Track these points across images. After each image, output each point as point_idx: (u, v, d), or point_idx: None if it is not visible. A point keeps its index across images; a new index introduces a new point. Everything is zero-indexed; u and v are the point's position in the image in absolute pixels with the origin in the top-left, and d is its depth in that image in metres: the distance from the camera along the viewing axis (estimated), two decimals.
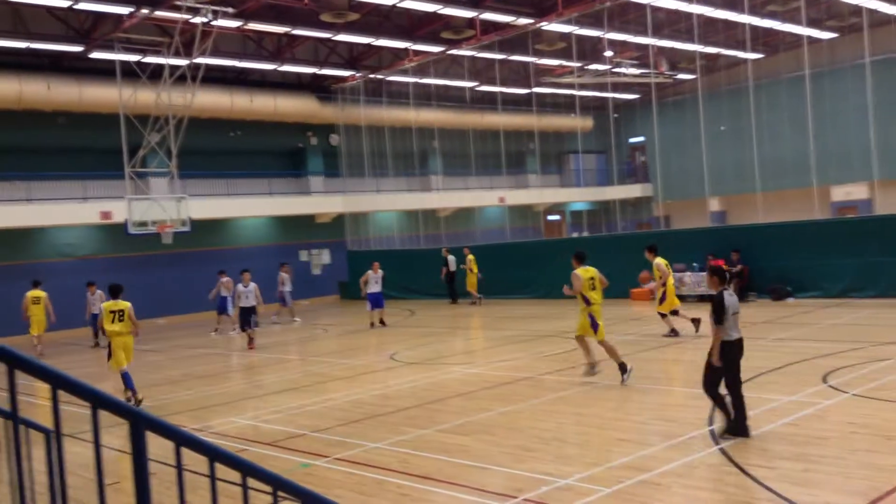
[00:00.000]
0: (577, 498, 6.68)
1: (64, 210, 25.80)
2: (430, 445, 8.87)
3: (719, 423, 8.30)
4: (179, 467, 3.14)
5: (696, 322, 15.82)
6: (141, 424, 2.88)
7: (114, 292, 12.93)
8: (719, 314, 8.11)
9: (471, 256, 26.72)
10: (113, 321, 12.66)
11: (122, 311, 12.75)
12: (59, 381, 2.79)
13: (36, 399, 11.27)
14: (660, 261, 16.04)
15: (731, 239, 22.19)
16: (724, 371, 8.15)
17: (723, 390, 8.23)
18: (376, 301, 21.51)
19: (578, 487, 6.95)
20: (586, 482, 7.07)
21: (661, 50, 33.74)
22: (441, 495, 7.17)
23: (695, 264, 22.20)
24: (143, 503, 2.87)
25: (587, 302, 11.91)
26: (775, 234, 21.64)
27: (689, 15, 27.37)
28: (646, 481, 6.96)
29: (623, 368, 11.62)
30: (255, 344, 19.22)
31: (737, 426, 8.07)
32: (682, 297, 21.99)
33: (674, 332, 15.86)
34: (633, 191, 43.63)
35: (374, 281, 21.55)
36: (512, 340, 17.18)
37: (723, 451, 7.67)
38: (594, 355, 11.98)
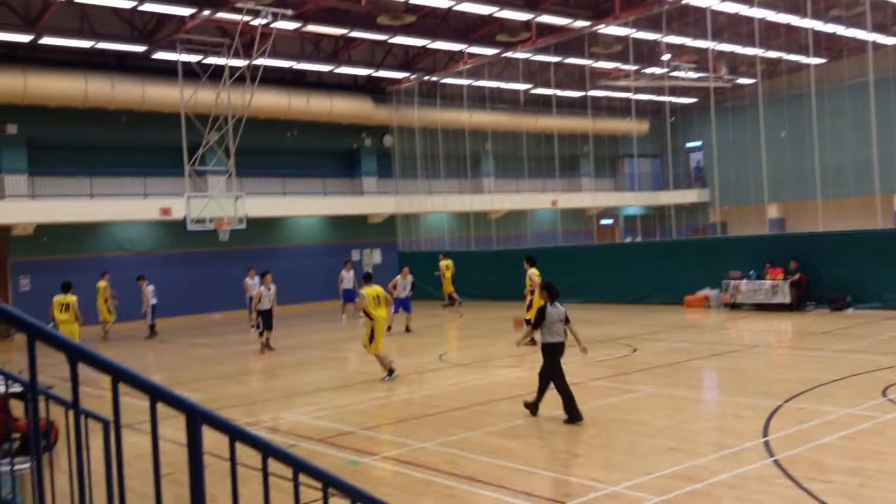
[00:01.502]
0: None
1: (125, 206, 26.50)
2: (477, 447, 8.87)
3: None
4: (233, 461, 3.20)
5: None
6: (197, 418, 2.95)
7: (64, 288, 16.51)
8: (538, 321, 10.34)
9: (445, 262, 27.03)
10: (60, 311, 16.11)
11: (68, 304, 16.18)
12: (119, 374, 2.87)
13: (90, 389, 11.59)
14: (534, 271, 17.14)
15: (790, 247, 21.70)
16: (546, 367, 10.10)
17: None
18: (404, 305, 21.25)
19: (626, 495, 6.89)
20: (634, 490, 7.00)
21: (721, 54, 33.17)
22: (487, 498, 7.18)
23: (752, 272, 21.76)
24: (198, 494, 2.94)
25: (370, 318, 13.60)
26: (835, 242, 21.10)
27: (749, 19, 26.86)
28: (696, 491, 6.86)
29: (390, 372, 13.50)
30: (267, 350, 18.51)
31: (572, 413, 9.72)
32: (737, 306, 21.70)
33: (533, 342, 16.04)
34: (688, 196, 42.97)
35: (402, 287, 21.40)
36: None
37: (777, 464, 7.51)
38: (389, 361, 13.76)
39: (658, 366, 13.61)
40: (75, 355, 2.82)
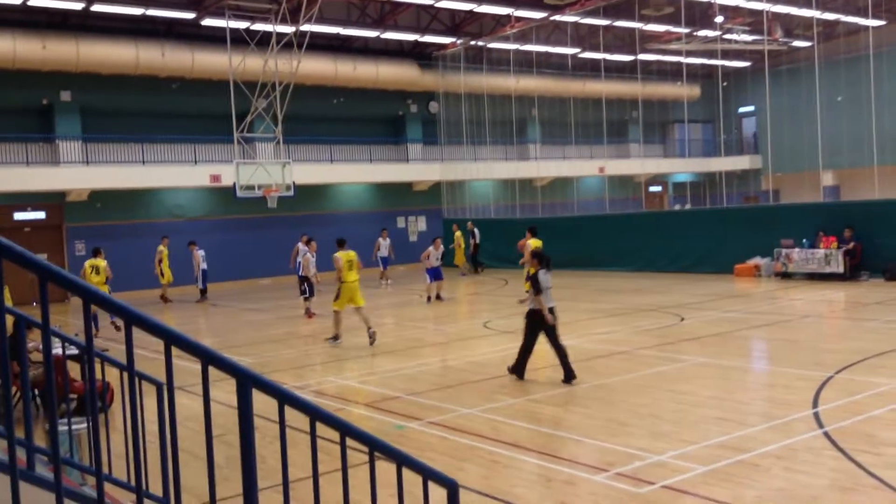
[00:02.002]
0: (671, 475, 6.60)
1: (176, 172, 26.93)
2: (521, 414, 8.91)
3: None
4: (282, 424, 3.26)
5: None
6: (247, 382, 3.00)
7: (95, 252, 17.39)
8: (536, 287, 10.66)
9: (458, 233, 28.63)
10: (91, 273, 16.74)
11: (98, 266, 16.86)
12: (172, 338, 2.93)
13: (145, 352, 11.87)
14: (532, 241, 18.21)
15: (845, 215, 21.17)
16: (538, 329, 10.63)
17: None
18: (436, 275, 21.40)
19: (673, 464, 6.86)
20: (681, 459, 6.97)
21: (776, 16, 32.19)
22: (531, 464, 7.22)
23: (805, 241, 21.31)
24: (248, 455, 3.00)
25: (341, 280, 14.26)
26: (892, 210, 20.50)
27: None
28: (743, 461, 6.80)
29: (335, 338, 14.45)
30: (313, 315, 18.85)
31: (517, 367, 10.72)
32: (788, 276, 21.29)
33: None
34: (740, 162, 42.08)
35: (434, 257, 21.55)
36: (609, 313, 16.98)
37: (826, 435, 7.41)
38: (341, 328, 14.56)
39: (706, 335, 13.47)
40: (131, 319, 2.88)
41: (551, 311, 10.63)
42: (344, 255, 14.32)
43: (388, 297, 23.18)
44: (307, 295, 18.94)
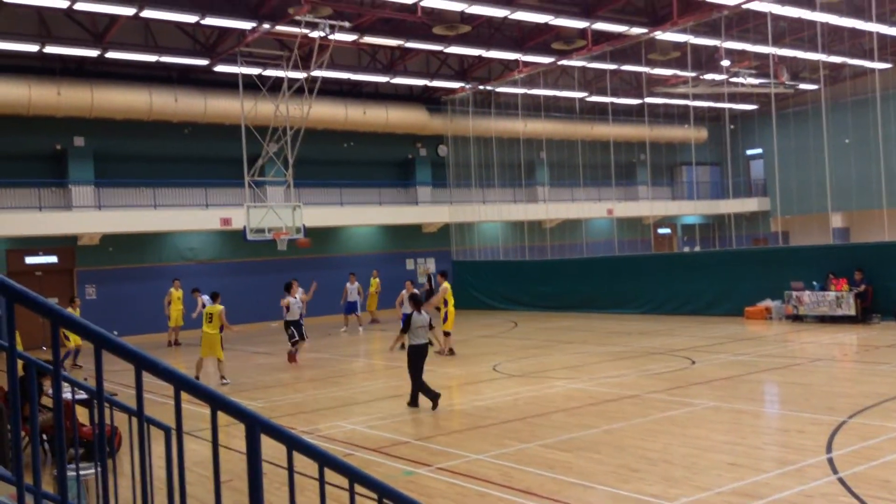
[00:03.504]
0: None
1: (187, 216, 27.13)
2: (532, 460, 8.82)
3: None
4: (291, 470, 3.25)
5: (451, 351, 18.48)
6: (256, 427, 3.00)
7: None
8: (405, 327, 12.45)
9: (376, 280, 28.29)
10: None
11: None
12: (182, 383, 2.94)
13: (152, 396, 11.83)
14: (446, 285, 18.81)
15: (855, 257, 21.10)
16: (410, 365, 12.17)
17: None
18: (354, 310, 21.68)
19: None
20: None
21: (782, 59, 32.48)
22: None
23: (815, 283, 21.21)
24: (256, 501, 2.99)
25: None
26: None
27: (812, 23, 26.23)
28: None
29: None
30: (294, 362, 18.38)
31: (413, 398, 12.22)
32: (800, 318, 21.16)
33: (451, 352, 18.42)
34: (749, 204, 42.11)
35: (351, 291, 21.48)
36: (618, 356, 16.88)
37: (842, 481, 7.29)
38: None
39: (717, 379, 13.36)
40: (140, 364, 2.89)
41: (425, 346, 12.34)
42: (210, 309, 16.03)
43: (390, 340, 23.06)
44: (296, 339, 18.32)
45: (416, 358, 12.19)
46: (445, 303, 18.65)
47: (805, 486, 7.21)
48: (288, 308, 18.49)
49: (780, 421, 10.62)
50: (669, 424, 10.16)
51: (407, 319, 12.40)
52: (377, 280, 27.96)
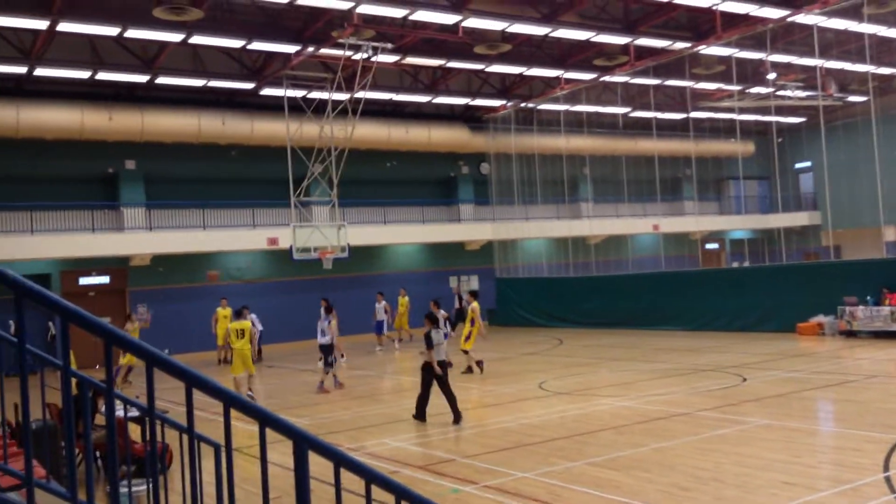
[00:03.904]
0: None
1: (235, 236, 27.58)
2: (579, 478, 8.72)
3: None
4: (338, 487, 3.26)
5: (479, 364, 18.45)
6: (304, 444, 3.03)
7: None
8: (429, 344, 12.53)
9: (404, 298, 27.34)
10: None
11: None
12: (230, 400, 2.98)
13: (201, 413, 11.95)
14: (475, 305, 19.17)
15: None
16: (432, 378, 12.52)
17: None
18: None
19: None
20: None
21: (830, 71, 31.93)
22: None
23: (868, 298, 20.69)
24: None
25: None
26: None
27: (859, 34, 25.76)
28: None
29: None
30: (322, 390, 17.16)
31: (420, 412, 12.63)
32: (853, 334, 20.64)
33: (469, 370, 18.40)
34: (798, 219, 41.31)
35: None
36: (667, 374, 16.63)
37: None
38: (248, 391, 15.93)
39: (769, 396, 13.09)
40: (190, 382, 2.95)
41: (441, 364, 12.62)
42: (234, 325, 16.32)
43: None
44: (332, 364, 17.51)
45: (431, 374, 12.60)
46: (472, 322, 18.65)
47: None
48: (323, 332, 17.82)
49: (834, 439, 10.36)
50: (720, 443, 9.97)
51: (429, 337, 12.63)
52: (406, 299, 27.67)
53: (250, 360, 16.18)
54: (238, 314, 16.94)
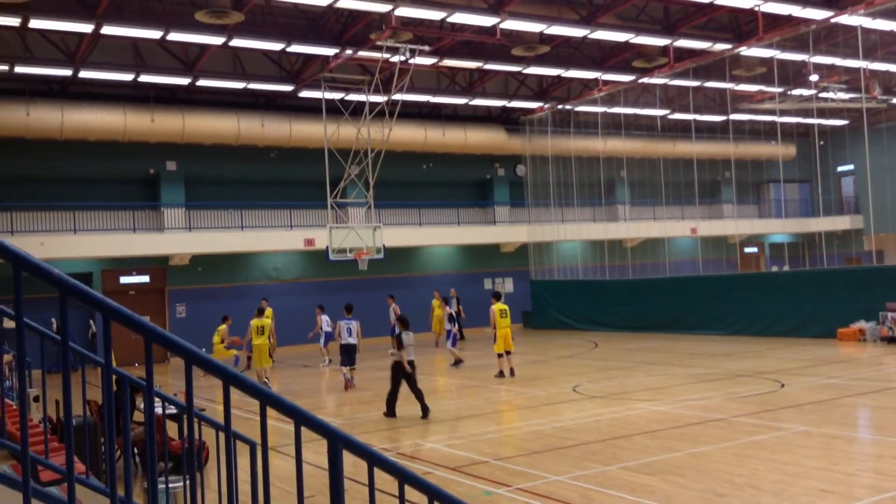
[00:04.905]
0: None
1: (272, 237, 27.88)
2: (613, 483, 8.67)
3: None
4: (372, 486, 3.30)
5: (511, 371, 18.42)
6: (338, 443, 3.07)
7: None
8: (400, 345, 13.51)
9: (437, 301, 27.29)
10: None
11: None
12: (267, 399, 3.03)
13: (236, 411, 12.11)
14: (494, 307, 18.82)
15: None
16: (401, 377, 13.44)
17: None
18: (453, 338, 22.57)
19: None
20: None
21: (874, 73, 31.33)
22: None
23: None
24: None
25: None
26: None
27: None
28: None
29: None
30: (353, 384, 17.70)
31: (390, 409, 13.52)
32: (895, 340, 20.21)
33: (501, 374, 18.35)
34: (840, 223, 40.55)
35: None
36: (703, 378, 16.46)
37: None
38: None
39: (808, 402, 12.88)
40: (228, 380, 3.00)
41: (411, 363, 13.39)
42: (256, 322, 17.82)
43: (477, 358, 23.08)
44: (352, 365, 17.74)
45: (400, 372, 13.42)
46: (494, 325, 18.63)
47: None
48: (340, 332, 18.04)
49: (874, 447, 10.17)
50: (757, 449, 9.85)
51: (399, 338, 13.53)
52: (438, 301, 27.47)
53: (266, 354, 17.74)
54: (260, 312, 18.61)
